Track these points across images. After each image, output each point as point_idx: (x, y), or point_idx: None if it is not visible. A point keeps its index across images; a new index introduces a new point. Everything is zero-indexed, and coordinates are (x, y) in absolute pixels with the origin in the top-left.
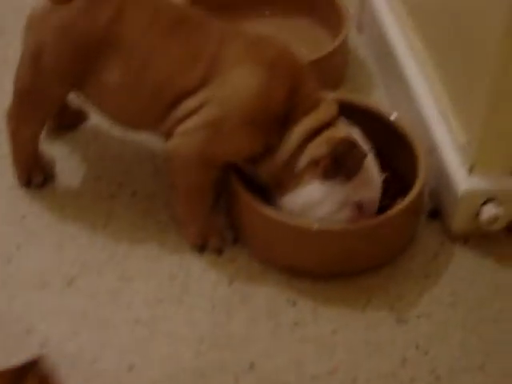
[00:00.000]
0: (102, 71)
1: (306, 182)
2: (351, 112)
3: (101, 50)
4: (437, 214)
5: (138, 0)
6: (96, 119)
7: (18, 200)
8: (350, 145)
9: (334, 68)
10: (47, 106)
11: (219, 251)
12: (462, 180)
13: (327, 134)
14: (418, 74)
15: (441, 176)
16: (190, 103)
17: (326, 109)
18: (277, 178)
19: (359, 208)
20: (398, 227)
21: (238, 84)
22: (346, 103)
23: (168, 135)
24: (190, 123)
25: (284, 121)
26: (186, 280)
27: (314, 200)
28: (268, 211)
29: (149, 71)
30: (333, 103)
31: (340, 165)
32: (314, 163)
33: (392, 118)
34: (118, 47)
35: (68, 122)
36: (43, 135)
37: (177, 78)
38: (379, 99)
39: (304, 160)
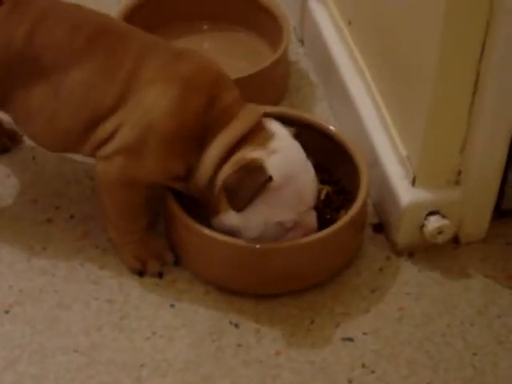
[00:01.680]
0: (22, 90)
1: (223, 209)
2: (293, 126)
3: (19, 67)
4: (381, 227)
5: (55, 13)
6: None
7: None
8: (244, 174)
9: (275, 81)
10: None
11: (159, 274)
12: (405, 192)
13: (237, 157)
14: (359, 87)
15: (384, 189)
16: (107, 126)
17: (243, 120)
18: (203, 199)
19: (288, 226)
20: (341, 242)
21: (149, 105)
22: (288, 117)
23: (92, 158)
24: (108, 147)
25: (202, 138)
26: (126, 305)
27: (234, 225)
28: (207, 231)
29: (65, 90)
30: (252, 111)
31: (231, 196)
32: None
33: (332, 129)
34: (36, 64)
35: (1, 145)
36: None
37: (93, 97)
38: (323, 112)
39: (217, 185)
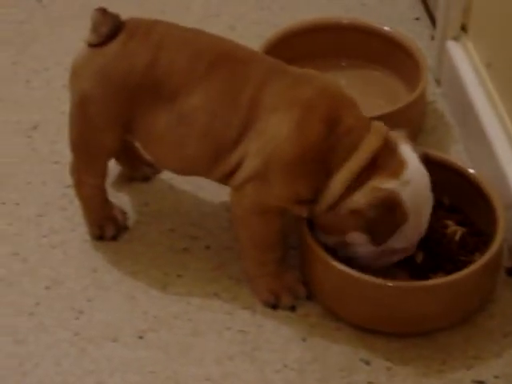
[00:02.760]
0: (147, 115)
1: (348, 230)
2: (429, 165)
3: (142, 94)
4: None
5: (175, 42)
6: None
7: (90, 252)
8: (385, 211)
9: (411, 120)
10: (103, 155)
11: (292, 308)
12: None
13: (371, 185)
14: (497, 129)
15: None
16: (233, 157)
17: (370, 142)
18: (318, 217)
19: (393, 253)
20: (475, 285)
21: (271, 133)
22: (424, 157)
23: (222, 183)
24: (238, 177)
25: (328, 161)
26: (258, 336)
27: (355, 244)
28: (341, 267)
29: (189, 116)
30: (378, 131)
31: (373, 232)
32: (356, 213)
33: (470, 171)
34: (159, 91)
35: (141, 174)
36: (118, 187)
37: (217, 128)
38: (458, 153)
39: (345, 207)
